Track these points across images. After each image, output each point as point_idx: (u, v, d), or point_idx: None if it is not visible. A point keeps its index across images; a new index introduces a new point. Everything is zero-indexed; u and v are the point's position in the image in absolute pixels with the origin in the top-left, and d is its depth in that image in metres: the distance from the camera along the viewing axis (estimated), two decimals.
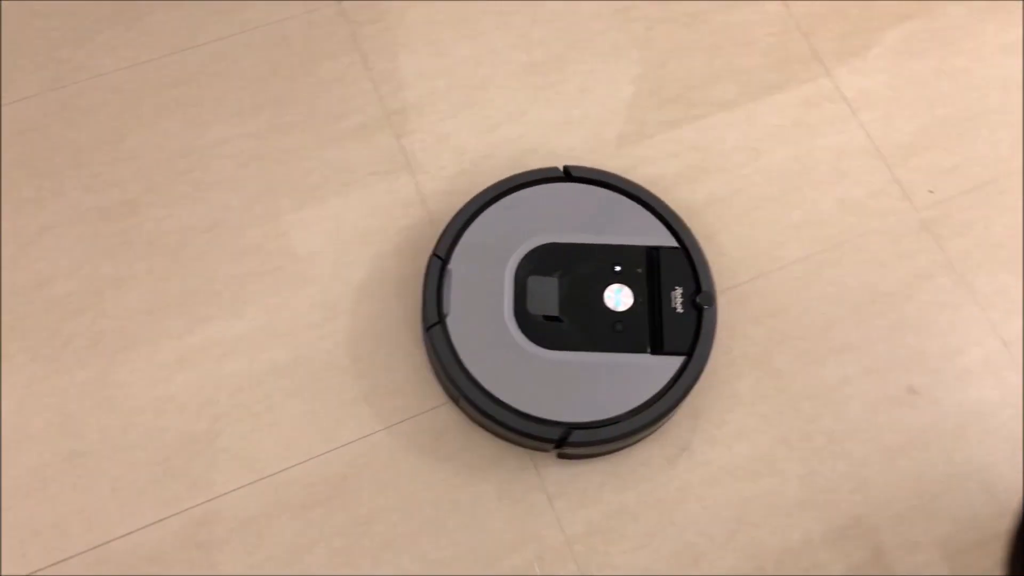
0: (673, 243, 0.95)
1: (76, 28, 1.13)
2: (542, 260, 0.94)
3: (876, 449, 0.95)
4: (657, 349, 0.90)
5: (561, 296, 0.92)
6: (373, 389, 0.96)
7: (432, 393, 0.96)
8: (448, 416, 0.95)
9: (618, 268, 0.93)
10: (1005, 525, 0.92)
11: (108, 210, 1.03)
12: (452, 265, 0.93)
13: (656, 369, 0.90)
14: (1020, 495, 0.93)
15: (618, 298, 0.92)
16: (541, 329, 0.91)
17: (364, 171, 1.07)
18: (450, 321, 0.90)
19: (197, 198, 1.05)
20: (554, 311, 0.91)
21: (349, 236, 1.03)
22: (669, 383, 0.89)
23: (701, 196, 1.07)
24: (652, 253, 0.95)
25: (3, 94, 1.09)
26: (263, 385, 0.95)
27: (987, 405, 0.97)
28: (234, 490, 0.90)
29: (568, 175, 0.99)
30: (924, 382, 0.98)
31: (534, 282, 0.92)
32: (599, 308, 0.92)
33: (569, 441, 0.86)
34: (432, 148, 1.09)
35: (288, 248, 1.02)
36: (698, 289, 0.93)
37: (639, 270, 0.94)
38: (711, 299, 0.92)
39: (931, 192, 1.08)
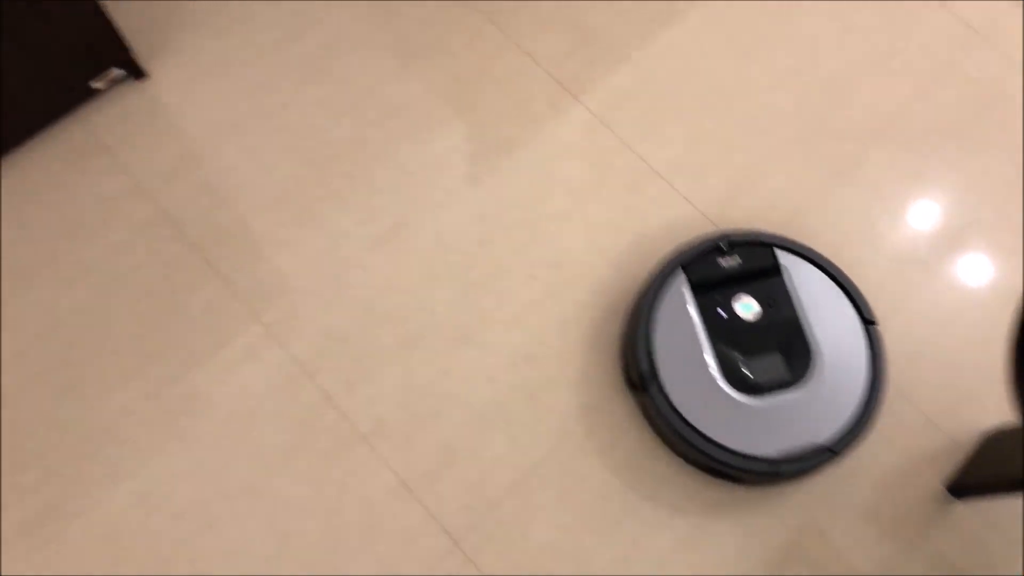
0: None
1: None
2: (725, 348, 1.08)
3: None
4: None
5: (755, 362, 1.06)
6: None
7: None
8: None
9: (717, 296, 1.10)
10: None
11: (30, 522, 1.04)
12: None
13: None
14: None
15: (745, 304, 1.09)
16: (768, 384, 1.05)
17: (263, 389, 1.12)
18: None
19: (118, 476, 1.07)
20: (783, 374, 1.06)
21: (271, 459, 1.09)
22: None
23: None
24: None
25: None
26: None
27: None
28: None
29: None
30: None
31: (757, 363, 1.07)
32: (748, 323, 1.08)
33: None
34: (320, 347, 1.15)
35: (220, 495, 1.07)
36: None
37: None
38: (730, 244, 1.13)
39: None
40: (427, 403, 1.13)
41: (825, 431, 1.04)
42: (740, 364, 1.07)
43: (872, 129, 1.32)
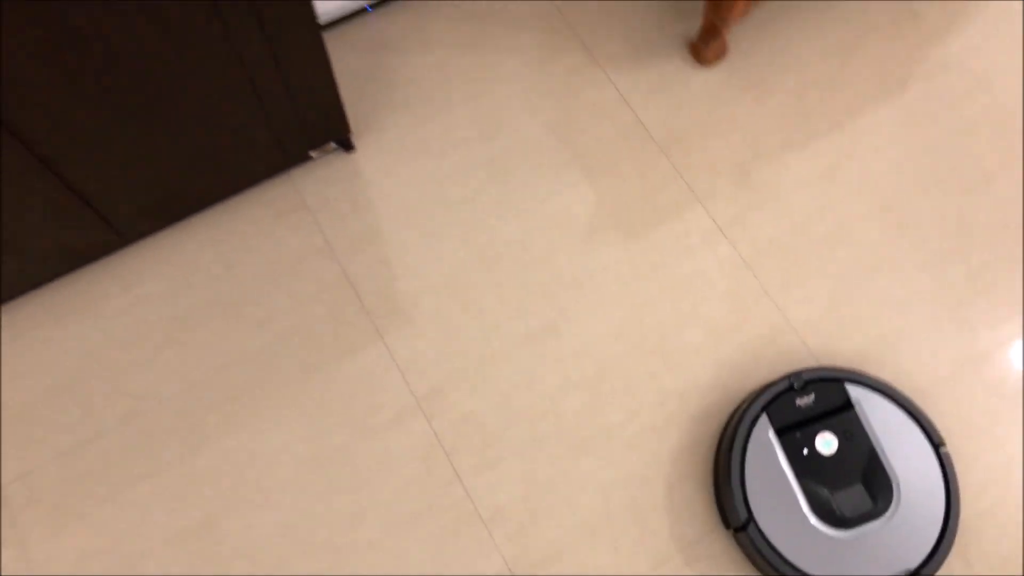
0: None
1: (140, 355, 1.31)
2: (814, 480, 1.17)
3: None
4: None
5: (840, 496, 1.15)
6: None
7: None
8: None
9: (798, 434, 1.20)
10: None
11: (190, 530, 1.20)
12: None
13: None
14: None
15: (825, 441, 1.19)
16: (855, 517, 1.14)
17: (404, 456, 1.26)
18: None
19: (268, 505, 1.22)
20: (867, 505, 1.15)
21: (400, 522, 1.22)
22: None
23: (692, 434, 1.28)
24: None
25: (79, 430, 1.26)
26: None
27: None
28: None
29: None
30: None
31: (843, 497, 1.16)
32: (830, 458, 1.18)
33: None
34: (459, 428, 1.28)
35: (351, 542, 1.20)
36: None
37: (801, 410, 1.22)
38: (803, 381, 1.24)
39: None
40: (544, 501, 1.24)
41: (913, 556, 1.13)
42: (827, 499, 1.16)
43: (1015, 320, 1.37)
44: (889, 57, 1.58)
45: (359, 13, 1.56)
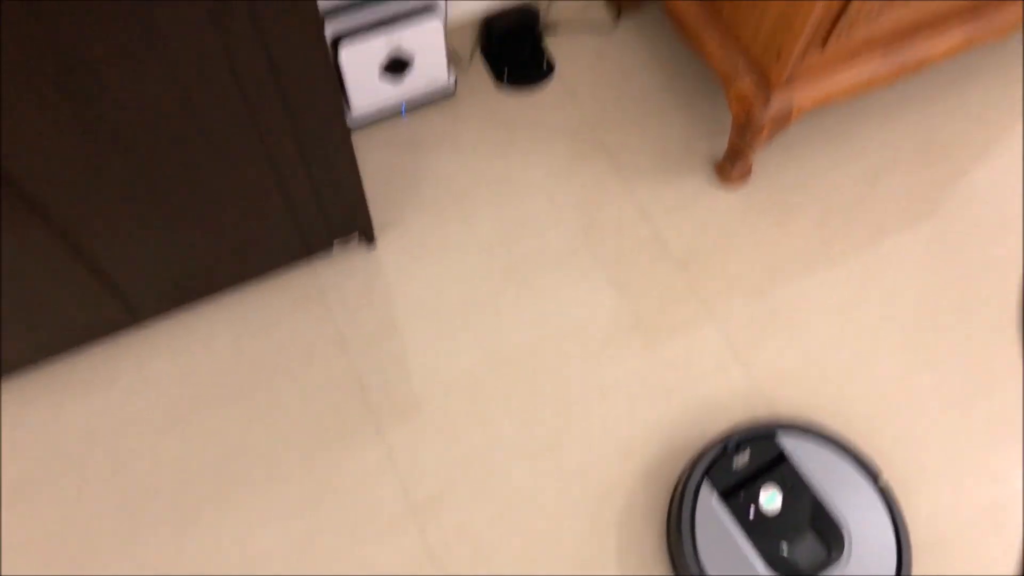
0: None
1: (143, 439, 1.30)
2: (767, 539, 1.15)
3: None
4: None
5: (795, 549, 1.13)
6: None
7: None
8: None
9: (742, 495, 1.18)
10: None
11: (167, 561, 1.18)
12: None
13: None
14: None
15: (768, 496, 1.17)
16: (812, 568, 1.12)
17: (395, 568, 1.23)
18: None
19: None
20: (821, 553, 1.13)
21: None
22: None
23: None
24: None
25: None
26: None
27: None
28: None
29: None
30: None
31: (797, 550, 1.14)
32: (776, 513, 1.16)
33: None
34: (452, 540, 1.25)
35: None
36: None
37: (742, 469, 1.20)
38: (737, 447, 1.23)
39: None
40: None
41: None
42: (782, 555, 1.14)
43: None
44: (914, 188, 1.58)
45: (394, 116, 1.60)
